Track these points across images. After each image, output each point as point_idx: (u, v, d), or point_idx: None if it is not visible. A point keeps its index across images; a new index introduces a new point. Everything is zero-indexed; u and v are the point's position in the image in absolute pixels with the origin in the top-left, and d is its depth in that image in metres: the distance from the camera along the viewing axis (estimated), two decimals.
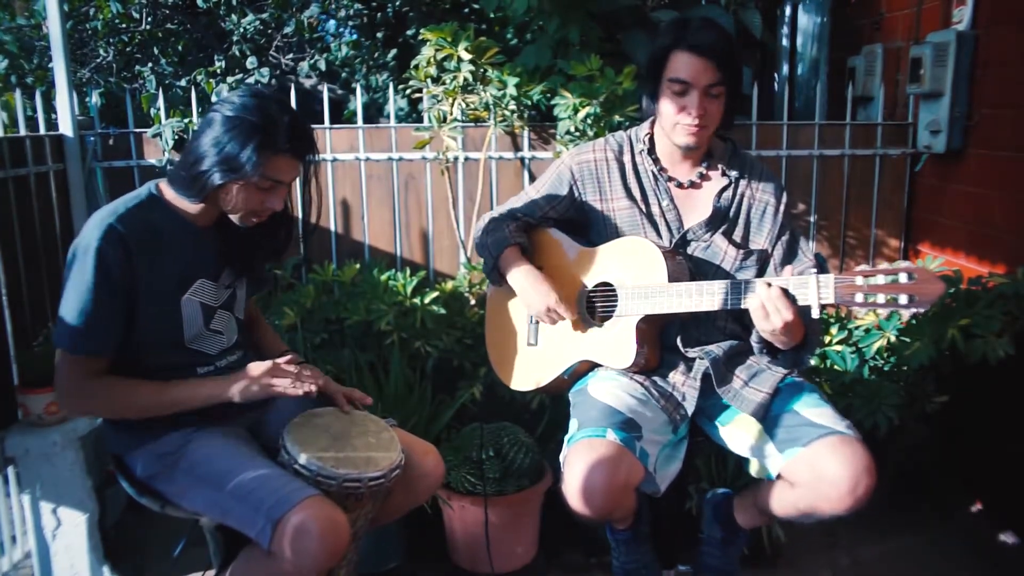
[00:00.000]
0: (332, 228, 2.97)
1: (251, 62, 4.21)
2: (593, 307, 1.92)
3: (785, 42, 4.25)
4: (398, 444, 1.71)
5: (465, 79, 2.67)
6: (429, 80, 2.76)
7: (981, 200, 2.69)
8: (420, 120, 3.39)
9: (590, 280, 1.92)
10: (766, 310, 1.62)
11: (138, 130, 2.92)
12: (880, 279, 1.51)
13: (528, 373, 2.01)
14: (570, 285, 1.95)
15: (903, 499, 2.64)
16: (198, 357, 1.70)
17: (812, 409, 1.73)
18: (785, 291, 1.62)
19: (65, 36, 2.67)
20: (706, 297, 1.72)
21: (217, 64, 4.20)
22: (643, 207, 1.90)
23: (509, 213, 2.02)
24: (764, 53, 4.19)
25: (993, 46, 2.62)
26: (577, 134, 2.62)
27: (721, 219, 1.89)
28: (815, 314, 1.60)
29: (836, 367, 2.52)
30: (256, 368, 1.65)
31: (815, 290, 1.58)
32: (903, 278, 1.49)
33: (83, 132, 2.82)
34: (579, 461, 1.64)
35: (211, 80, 3.92)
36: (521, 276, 1.91)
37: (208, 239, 1.70)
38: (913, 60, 2.83)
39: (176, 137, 2.84)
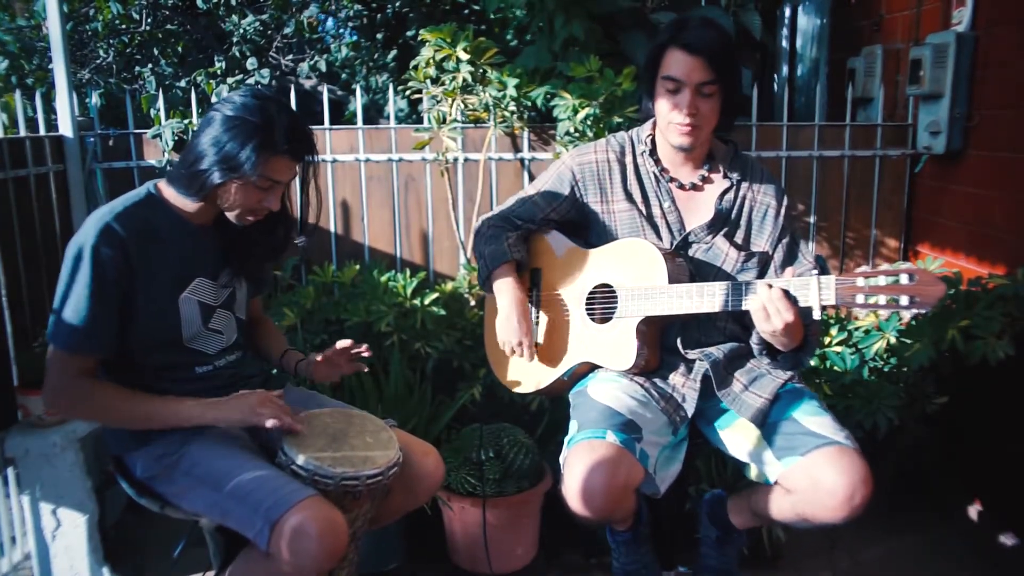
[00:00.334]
0: (332, 229, 2.97)
1: (251, 63, 4.22)
2: (593, 309, 1.92)
3: (785, 43, 4.25)
4: (396, 443, 1.71)
5: (464, 80, 2.67)
6: (429, 81, 2.76)
7: (981, 201, 2.69)
8: (420, 121, 3.39)
9: (590, 281, 1.92)
10: (767, 311, 1.62)
11: (138, 131, 2.92)
12: (881, 280, 1.51)
13: (528, 375, 2.01)
14: (570, 286, 1.95)
15: (903, 499, 2.64)
16: (196, 356, 1.71)
17: (811, 417, 1.72)
18: (786, 292, 1.62)
19: (65, 37, 2.67)
20: (707, 298, 1.72)
21: (217, 65, 4.20)
22: (643, 209, 1.90)
23: (509, 220, 2.00)
24: (764, 54, 4.18)
25: (993, 47, 2.62)
26: (577, 135, 2.62)
27: (723, 221, 1.88)
28: (816, 315, 1.60)
29: (836, 368, 2.52)
30: (245, 397, 1.63)
31: (816, 291, 1.58)
32: (904, 279, 1.49)
33: (83, 133, 2.82)
34: (579, 462, 1.64)
35: (211, 81, 3.92)
36: (506, 302, 1.92)
37: (206, 238, 1.70)
38: (913, 61, 2.83)
39: (176, 138, 2.83)
